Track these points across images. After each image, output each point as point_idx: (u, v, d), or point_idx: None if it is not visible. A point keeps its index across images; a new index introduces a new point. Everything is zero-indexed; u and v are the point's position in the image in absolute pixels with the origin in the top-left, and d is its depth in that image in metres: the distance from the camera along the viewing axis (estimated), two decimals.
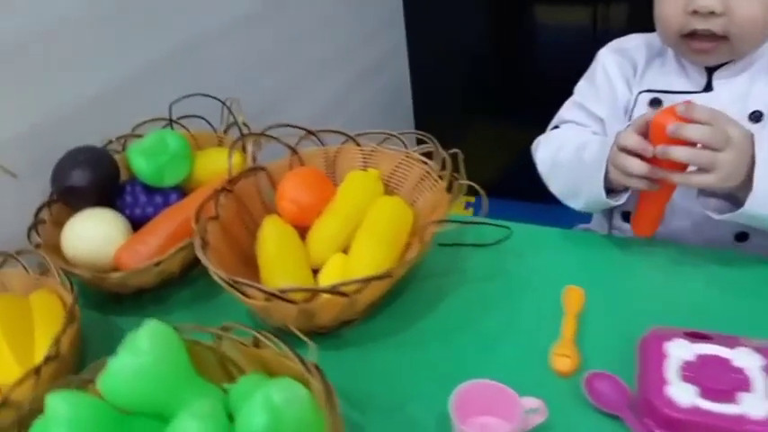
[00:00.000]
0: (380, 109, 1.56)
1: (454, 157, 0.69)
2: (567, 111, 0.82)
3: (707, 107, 0.58)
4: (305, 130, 0.76)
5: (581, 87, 0.82)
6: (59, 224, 0.73)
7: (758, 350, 0.52)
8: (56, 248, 0.71)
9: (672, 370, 0.51)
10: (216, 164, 0.77)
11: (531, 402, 0.50)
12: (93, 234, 0.71)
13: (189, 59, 0.99)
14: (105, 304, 0.71)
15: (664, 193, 0.64)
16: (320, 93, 1.35)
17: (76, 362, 0.61)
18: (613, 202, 0.67)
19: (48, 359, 0.54)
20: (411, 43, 1.69)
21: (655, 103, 0.74)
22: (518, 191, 1.57)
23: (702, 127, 0.57)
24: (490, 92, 1.74)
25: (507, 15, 1.61)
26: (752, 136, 0.59)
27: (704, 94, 0.70)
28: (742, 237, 0.71)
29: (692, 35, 0.67)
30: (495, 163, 1.73)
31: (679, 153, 0.58)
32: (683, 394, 0.48)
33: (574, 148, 0.72)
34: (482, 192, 0.64)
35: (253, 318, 0.65)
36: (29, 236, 0.71)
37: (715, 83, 0.71)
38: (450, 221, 0.64)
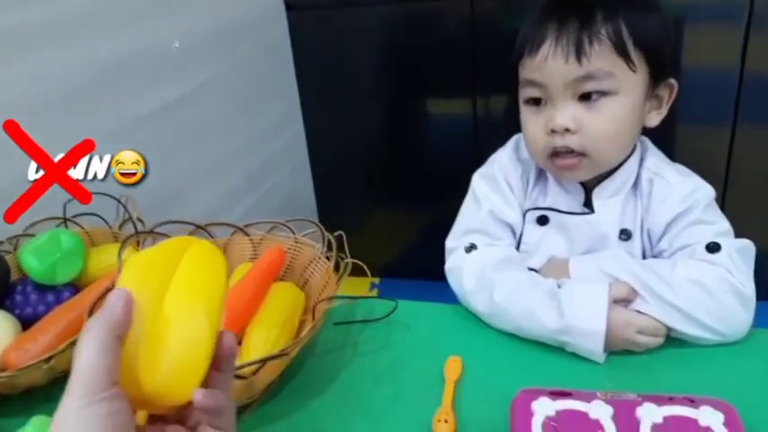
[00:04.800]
0: (282, 201, 1.62)
1: (339, 238, 0.74)
2: (477, 220, 0.81)
3: None
4: (194, 224, 0.79)
5: (487, 194, 0.81)
6: None
7: (609, 402, 0.58)
8: None
9: (536, 426, 0.56)
10: (110, 260, 0.79)
11: None
12: None
13: None
14: None
15: None
16: (220, 187, 1.39)
17: None
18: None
19: None
20: (309, 137, 1.78)
21: (542, 220, 0.79)
22: (416, 271, 1.65)
23: None
24: (386, 179, 1.85)
25: (397, 107, 1.74)
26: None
27: (588, 216, 0.76)
28: None
29: (557, 154, 0.73)
30: (396, 246, 1.81)
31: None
32: None
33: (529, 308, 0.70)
34: (366, 268, 0.69)
35: None
36: None
37: (595, 203, 0.76)
38: (338, 298, 0.68)
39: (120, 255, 0.74)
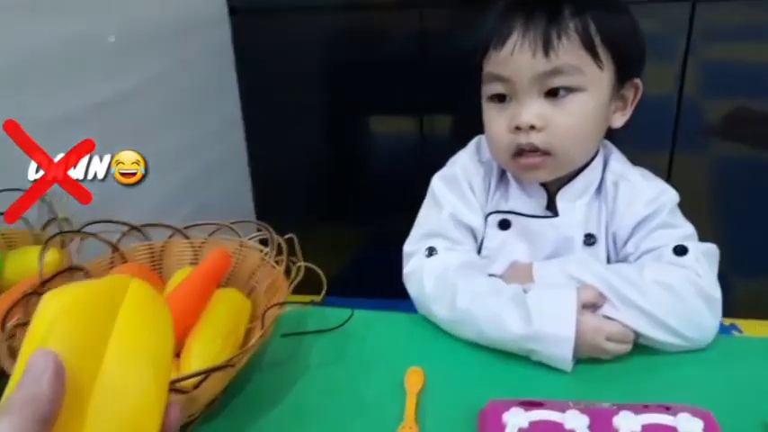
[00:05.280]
0: (219, 212, 1.54)
1: (290, 241, 0.69)
2: (437, 223, 0.76)
3: None
4: (127, 225, 0.72)
5: (448, 196, 0.77)
6: None
7: (584, 411, 0.54)
8: None
9: None
10: (30, 263, 0.70)
11: None
12: None
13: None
14: None
15: None
16: (155, 193, 1.30)
17: None
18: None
19: None
20: (251, 146, 1.71)
21: (504, 224, 0.76)
22: (359, 289, 1.60)
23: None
24: (329, 193, 1.79)
25: (342, 119, 1.69)
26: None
27: (552, 220, 0.73)
28: None
29: (521, 153, 0.70)
30: (338, 262, 1.75)
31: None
32: None
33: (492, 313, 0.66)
34: (319, 271, 0.64)
35: None
36: None
37: (560, 207, 0.74)
38: (290, 303, 0.63)
39: (41, 258, 0.66)
